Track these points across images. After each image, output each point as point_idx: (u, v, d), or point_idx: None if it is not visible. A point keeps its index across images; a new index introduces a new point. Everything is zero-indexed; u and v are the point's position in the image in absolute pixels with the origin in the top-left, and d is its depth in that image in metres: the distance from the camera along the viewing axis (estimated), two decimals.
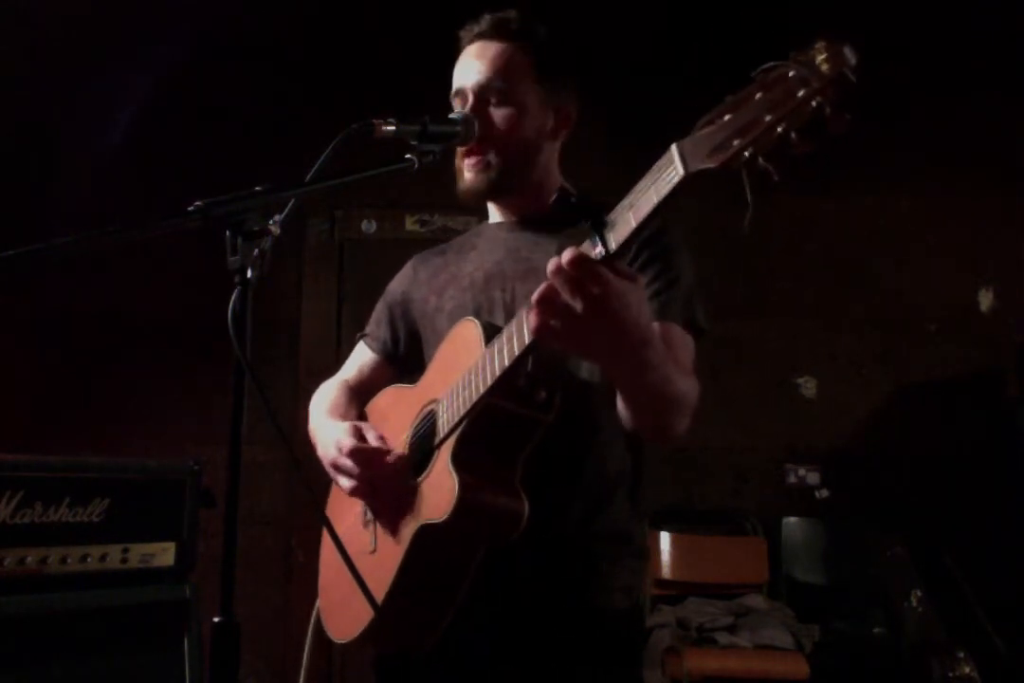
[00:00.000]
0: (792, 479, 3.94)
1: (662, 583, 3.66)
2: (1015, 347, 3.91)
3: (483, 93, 1.48)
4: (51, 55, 3.85)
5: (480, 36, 1.52)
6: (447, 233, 1.80)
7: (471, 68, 1.50)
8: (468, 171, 1.49)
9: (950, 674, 3.14)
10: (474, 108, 1.48)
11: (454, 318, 1.49)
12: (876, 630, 3.49)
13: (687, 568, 3.70)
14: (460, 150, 1.49)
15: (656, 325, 1.36)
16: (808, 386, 4.02)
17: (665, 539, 3.74)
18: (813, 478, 3.93)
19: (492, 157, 1.48)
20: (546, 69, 1.52)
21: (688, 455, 3.90)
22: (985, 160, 4.01)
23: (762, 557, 3.75)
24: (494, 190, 1.52)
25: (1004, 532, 3.60)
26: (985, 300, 4.04)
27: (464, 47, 1.54)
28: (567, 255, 1.05)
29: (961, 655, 3.17)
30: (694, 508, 3.91)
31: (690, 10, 3.98)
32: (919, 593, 3.42)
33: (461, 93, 1.51)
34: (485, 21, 1.52)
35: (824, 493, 3.90)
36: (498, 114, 1.48)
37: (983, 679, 3.15)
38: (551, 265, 1.05)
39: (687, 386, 1.26)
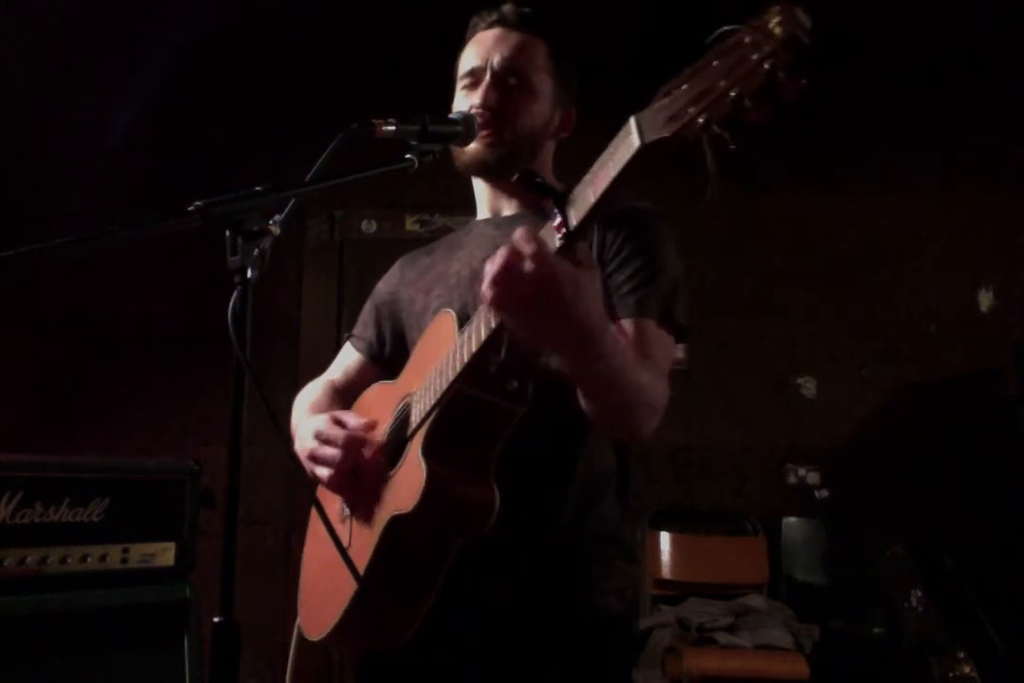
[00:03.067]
0: (792, 479, 3.94)
1: (662, 583, 3.66)
2: (1015, 347, 3.91)
3: (503, 73, 1.49)
4: (51, 55, 3.85)
5: (501, 23, 1.53)
6: (447, 233, 1.79)
7: (492, 50, 1.51)
8: (477, 141, 1.47)
9: (950, 674, 3.14)
10: (495, 82, 1.48)
11: None
12: (876, 630, 3.49)
13: (687, 568, 3.70)
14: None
15: (629, 321, 1.36)
16: (808, 386, 4.02)
17: (665, 539, 3.73)
18: (813, 478, 3.93)
19: (507, 135, 1.47)
20: (559, 68, 1.54)
21: (688, 455, 3.91)
22: (986, 161, 4.01)
23: (762, 557, 3.75)
24: (498, 165, 1.50)
25: (1004, 532, 3.60)
26: (985, 300, 4.04)
27: (478, 32, 1.55)
28: (519, 233, 1.04)
29: (961, 655, 3.18)
30: (694, 508, 3.91)
31: (683, 12, 3.98)
32: (919, 593, 3.42)
33: (475, 73, 1.51)
34: (508, 10, 1.53)
35: (824, 493, 3.90)
36: (516, 96, 1.49)
37: (983, 679, 3.15)
38: (497, 256, 1.05)
39: (647, 382, 1.24)
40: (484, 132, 1.46)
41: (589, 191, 1.01)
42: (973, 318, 4.03)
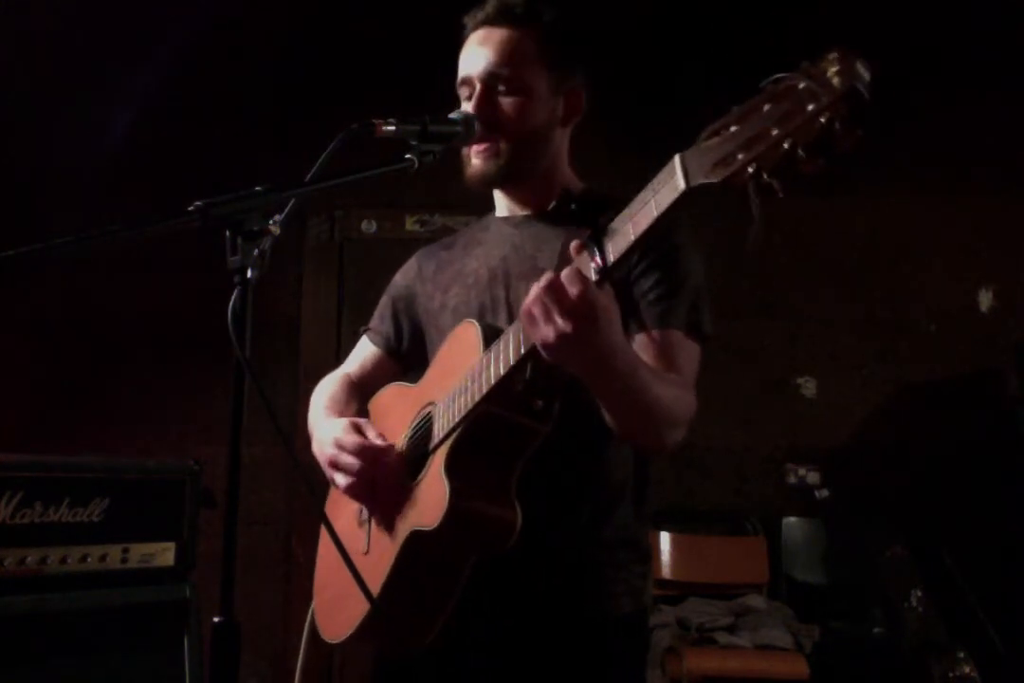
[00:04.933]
0: (792, 479, 3.94)
1: (662, 583, 3.66)
2: (1015, 347, 3.91)
3: (491, 81, 1.46)
4: (50, 56, 3.85)
5: (485, 22, 1.49)
6: (447, 233, 1.80)
7: (477, 55, 1.47)
8: (476, 157, 1.46)
9: (950, 674, 3.14)
10: (481, 96, 1.45)
11: (458, 316, 1.48)
12: (876, 630, 3.49)
13: (687, 568, 3.70)
14: None
15: (656, 332, 1.36)
16: (808, 386, 4.02)
17: (665, 539, 3.73)
18: (813, 478, 3.93)
19: (502, 144, 1.45)
20: (554, 54, 1.49)
21: (688, 455, 3.90)
22: (986, 160, 4.01)
23: (762, 557, 3.75)
24: (503, 177, 1.49)
25: (1004, 532, 3.59)
26: (985, 300, 4.04)
27: (469, 34, 1.51)
28: (564, 274, 1.07)
29: (961, 655, 3.17)
30: (694, 508, 3.91)
31: (692, 19, 3.98)
32: (919, 593, 3.42)
33: (467, 82, 1.48)
34: (490, 7, 1.49)
35: (824, 493, 3.89)
36: (507, 102, 1.45)
37: (983, 679, 3.15)
38: (543, 280, 1.08)
39: (672, 400, 1.25)
40: (480, 147, 1.45)
41: (629, 227, 1.00)
42: (973, 318, 4.03)
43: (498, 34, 1.47)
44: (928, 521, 3.72)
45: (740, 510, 3.90)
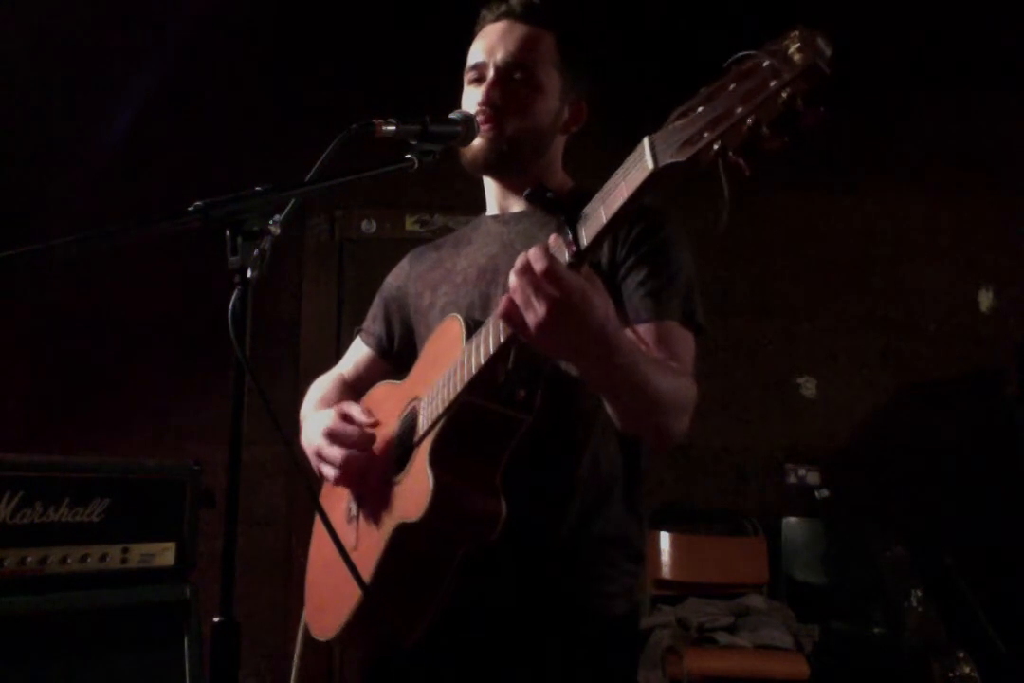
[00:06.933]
0: (792, 479, 3.94)
1: (662, 583, 3.66)
2: (1015, 347, 3.92)
3: (508, 68, 1.47)
4: (51, 55, 3.85)
5: (508, 15, 1.50)
6: (447, 233, 1.79)
7: (497, 44, 1.49)
8: (480, 137, 1.45)
9: (950, 674, 3.14)
10: (495, 78, 1.46)
11: (447, 314, 1.47)
12: (876, 630, 3.49)
13: (687, 568, 3.70)
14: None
15: (652, 324, 1.35)
16: (808, 386, 4.02)
17: (665, 539, 3.73)
18: (813, 478, 3.93)
19: (509, 128, 1.46)
20: (568, 61, 1.51)
21: (688, 455, 3.91)
22: (985, 160, 4.01)
23: (762, 557, 3.75)
24: (502, 162, 1.49)
25: (1004, 532, 3.60)
26: (985, 300, 4.04)
27: (486, 25, 1.53)
28: (530, 252, 1.05)
29: (961, 655, 3.17)
30: (694, 508, 3.91)
31: (696, 18, 3.98)
32: (919, 593, 3.42)
33: (480, 67, 1.49)
34: (515, 2, 1.51)
35: (824, 493, 3.89)
36: (520, 91, 1.47)
37: (983, 679, 3.15)
38: (517, 263, 1.06)
39: (673, 387, 1.24)
40: (486, 127, 1.44)
41: (601, 211, 1.00)
42: (973, 318, 4.03)
43: (520, 29, 1.49)
44: (928, 521, 3.72)
45: (740, 510, 3.90)
